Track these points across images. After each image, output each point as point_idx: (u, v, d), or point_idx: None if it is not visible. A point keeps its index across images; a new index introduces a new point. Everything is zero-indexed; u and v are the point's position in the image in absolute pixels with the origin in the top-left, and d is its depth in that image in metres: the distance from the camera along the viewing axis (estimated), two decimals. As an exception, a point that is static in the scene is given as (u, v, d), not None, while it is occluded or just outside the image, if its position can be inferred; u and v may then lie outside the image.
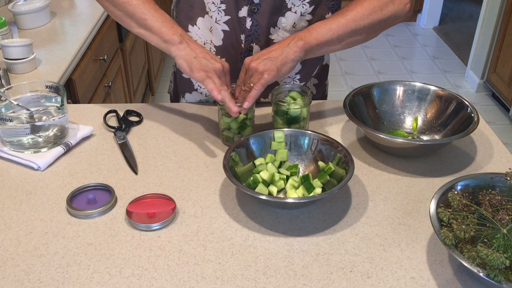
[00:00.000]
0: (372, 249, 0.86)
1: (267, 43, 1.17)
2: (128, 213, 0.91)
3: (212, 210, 0.94)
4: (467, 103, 1.12)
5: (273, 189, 0.96)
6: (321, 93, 1.39)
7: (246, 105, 1.02)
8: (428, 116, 1.17)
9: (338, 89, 3.51)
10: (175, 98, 1.41)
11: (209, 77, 1.02)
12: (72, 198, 0.96)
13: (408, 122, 1.18)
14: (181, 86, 1.33)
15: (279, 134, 1.02)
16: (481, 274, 0.72)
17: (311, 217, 0.92)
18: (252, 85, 1.03)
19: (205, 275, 0.80)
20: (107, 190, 0.98)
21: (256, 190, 0.93)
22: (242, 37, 1.17)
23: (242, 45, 1.18)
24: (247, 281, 0.79)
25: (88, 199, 0.95)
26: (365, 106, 1.17)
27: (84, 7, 2.10)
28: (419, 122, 1.17)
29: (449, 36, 4.35)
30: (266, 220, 0.92)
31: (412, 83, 1.20)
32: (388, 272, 0.81)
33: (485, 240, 0.76)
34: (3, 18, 1.68)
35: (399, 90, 1.20)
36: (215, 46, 1.19)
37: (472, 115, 1.08)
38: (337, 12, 1.11)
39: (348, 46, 1.11)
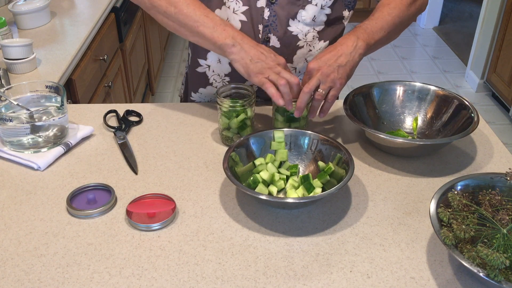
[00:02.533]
0: (372, 249, 0.86)
1: (285, 34, 1.17)
2: (128, 213, 0.91)
3: (212, 210, 0.94)
4: (467, 103, 1.12)
5: (273, 189, 0.96)
6: None
7: (322, 116, 1.07)
8: (428, 116, 1.17)
9: (338, 89, 3.51)
10: (185, 100, 1.41)
11: (268, 80, 1.02)
12: (72, 198, 0.96)
13: (408, 122, 1.18)
14: (194, 81, 1.32)
15: (279, 134, 1.02)
16: (481, 274, 0.72)
17: (311, 217, 0.92)
18: (322, 92, 1.03)
19: (205, 275, 0.80)
20: (107, 190, 0.98)
21: (256, 190, 0.93)
22: (260, 27, 1.17)
23: (260, 36, 1.18)
24: (247, 281, 0.79)
25: (88, 199, 0.95)
26: (365, 106, 1.17)
27: (84, 7, 2.10)
28: (419, 122, 1.17)
29: (449, 36, 4.35)
30: (266, 220, 0.92)
31: (412, 83, 1.20)
32: (388, 272, 0.81)
33: (485, 240, 0.76)
34: (3, 18, 1.68)
35: (399, 90, 1.20)
36: None
37: (472, 115, 1.08)
38: (379, 9, 1.14)
39: (387, 43, 1.16)
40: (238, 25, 1.16)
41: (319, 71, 1.02)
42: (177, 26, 1.10)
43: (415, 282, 0.80)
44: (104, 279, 0.80)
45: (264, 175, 0.97)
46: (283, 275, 0.81)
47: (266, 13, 1.15)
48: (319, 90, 1.03)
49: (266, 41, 1.18)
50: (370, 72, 3.77)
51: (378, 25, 1.11)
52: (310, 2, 1.14)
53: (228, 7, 1.15)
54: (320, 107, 1.07)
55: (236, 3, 1.14)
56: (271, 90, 1.01)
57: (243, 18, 1.16)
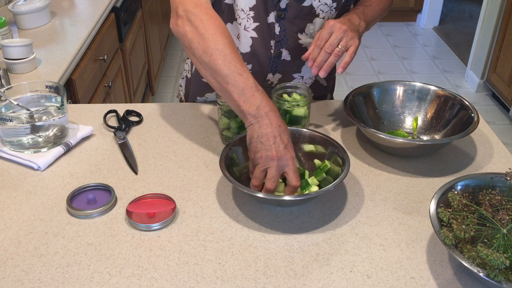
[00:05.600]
0: (372, 249, 0.86)
1: (296, 47, 1.18)
2: (128, 213, 0.91)
3: (212, 210, 0.94)
4: (467, 103, 1.12)
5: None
6: (331, 86, 1.40)
7: (341, 71, 1.05)
8: (428, 116, 1.17)
9: (338, 89, 3.51)
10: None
11: (260, 172, 0.91)
12: (72, 198, 0.96)
13: (408, 122, 1.18)
14: (200, 88, 1.32)
15: None
16: (481, 274, 0.72)
17: (311, 217, 0.92)
18: (342, 48, 1.04)
19: (205, 275, 0.80)
20: (107, 190, 0.98)
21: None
22: (272, 42, 1.18)
23: (272, 51, 1.19)
24: (247, 281, 0.79)
25: (88, 199, 0.95)
26: (365, 106, 1.17)
27: (84, 7, 2.10)
28: (419, 122, 1.17)
29: (449, 36, 4.35)
30: (266, 220, 0.92)
31: (412, 83, 1.20)
32: (388, 272, 0.81)
33: (485, 240, 0.76)
34: (3, 18, 1.68)
35: (399, 90, 1.20)
36: (241, 53, 1.19)
37: (472, 115, 1.08)
38: (367, 0, 1.19)
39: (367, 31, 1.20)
40: (250, 42, 1.17)
41: (341, 29, 1.04)
42: (209, 75, 0.98)
43: (415, 282, 0.80)
44: (104, 279, 0.80)
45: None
46: (283, 275, 0.81)
47: (277, 29, 1.16)
48: (338, 46, 1.04)
49: (278, 56, 1.19)
50: (370, 72, 3.77)
51: (372, 12, 1.16)
52: (318, 16, 1.15)
53: (240, 24, 1.15)
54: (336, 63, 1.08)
55: (247, 20, 1.14)
56: (253, 182, 0.92)
57: (254, 34, 1.16)
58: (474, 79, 3.49)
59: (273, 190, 0.90)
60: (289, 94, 1.12)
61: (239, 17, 1.15)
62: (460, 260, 0.74)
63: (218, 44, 0.96)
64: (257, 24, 1.15)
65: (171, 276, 0.80)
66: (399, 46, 4.17)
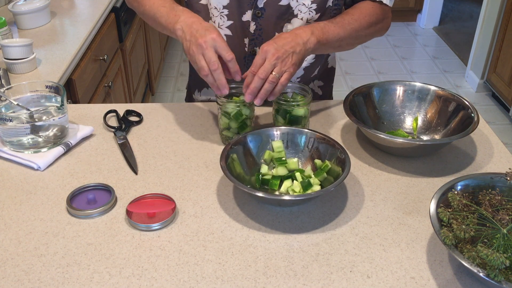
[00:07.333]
0: (372, 249, 0.86)
1: None
2: (128, 213, 0.91)
3: (212, 210, 0.94)
4: (467, 103, 1.12)
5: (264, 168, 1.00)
6: (328, 95, 1.40)
7: (271, 98, 1.02)
8: (428, 116, 1.17)
9: (338, 89, 3.51)
10: (189, 94, 1.42)
11: (201, 57, 0.98)
12: (72, 198, 0.96)
13: (408, 122, 1.18)
14: (198, 82, 1.33)
15: (278, 144, 1.02)
16: (481, 274, 0.72)
17: (311, 217, 0.92)
18: (276, 74, 0.98)
19: (205, 275, 0.80)
20: (107, 190, 0.98)
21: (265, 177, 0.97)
22: (246, 41, 1.18)
23: (246, 49, 1.19)
24: (247, 281, 0.79)
25: (88, 199, 0.95)
26: (365, 106, 1.17)
27: (84, 7, 2.10)
28: (419, 122, 1.17)
29: (449, 36, 4.35)
30: (266, 220, 0.92)
31: (412, 83, 1.20)
32: (388, 272, 0.81)
33: (485, 240, 0.76)
34: (3, 18, 1.69)
35: (399, 90, 1.20)
36: None
37: (472, 115, 1.08)
38: (342, 16, 1.12)
39: (336, 51, 1.16)
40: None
41: (274, 56, 0.98)
42: (151, 22, 1.14)
43: (415, 282, 0.80)
44: (104, 279, 0.80)
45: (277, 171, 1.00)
46: (283, 275, 0.81)
47: (252, 27, 1.16)
48: (272, 73, 0.98)
49: (252, 54, 1.20)
50: (370, 72, 3.77)
51: (335, 30, 1.08)
52: (296, 16, 1.14)
53: (214, 22, 1.16)
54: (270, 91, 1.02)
55: (220, 18, 1.15)
56: (205, 78, 1.00)
57: (228, 32, 1.17)
58: (474, 79, 3.49)
59: (215, 66, 0.97)
60: (289, 94, 1.13)
61: (213, 15, 1.16)
62: (460, 260, 0.74)
63: None
64: (231, 22, 1.16)
65: (171, 276, 0.80)
66: (399, 46, 4.17)
